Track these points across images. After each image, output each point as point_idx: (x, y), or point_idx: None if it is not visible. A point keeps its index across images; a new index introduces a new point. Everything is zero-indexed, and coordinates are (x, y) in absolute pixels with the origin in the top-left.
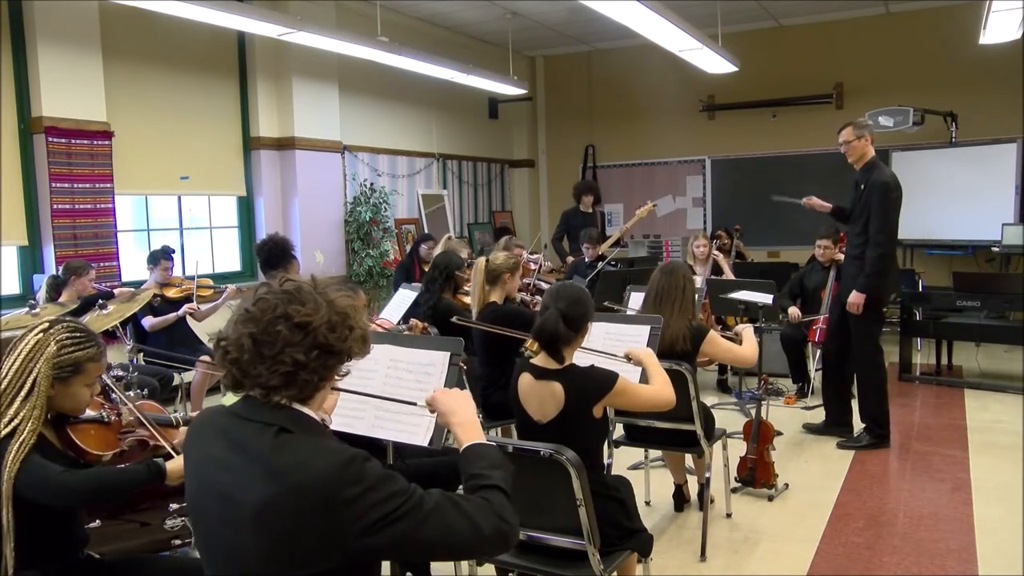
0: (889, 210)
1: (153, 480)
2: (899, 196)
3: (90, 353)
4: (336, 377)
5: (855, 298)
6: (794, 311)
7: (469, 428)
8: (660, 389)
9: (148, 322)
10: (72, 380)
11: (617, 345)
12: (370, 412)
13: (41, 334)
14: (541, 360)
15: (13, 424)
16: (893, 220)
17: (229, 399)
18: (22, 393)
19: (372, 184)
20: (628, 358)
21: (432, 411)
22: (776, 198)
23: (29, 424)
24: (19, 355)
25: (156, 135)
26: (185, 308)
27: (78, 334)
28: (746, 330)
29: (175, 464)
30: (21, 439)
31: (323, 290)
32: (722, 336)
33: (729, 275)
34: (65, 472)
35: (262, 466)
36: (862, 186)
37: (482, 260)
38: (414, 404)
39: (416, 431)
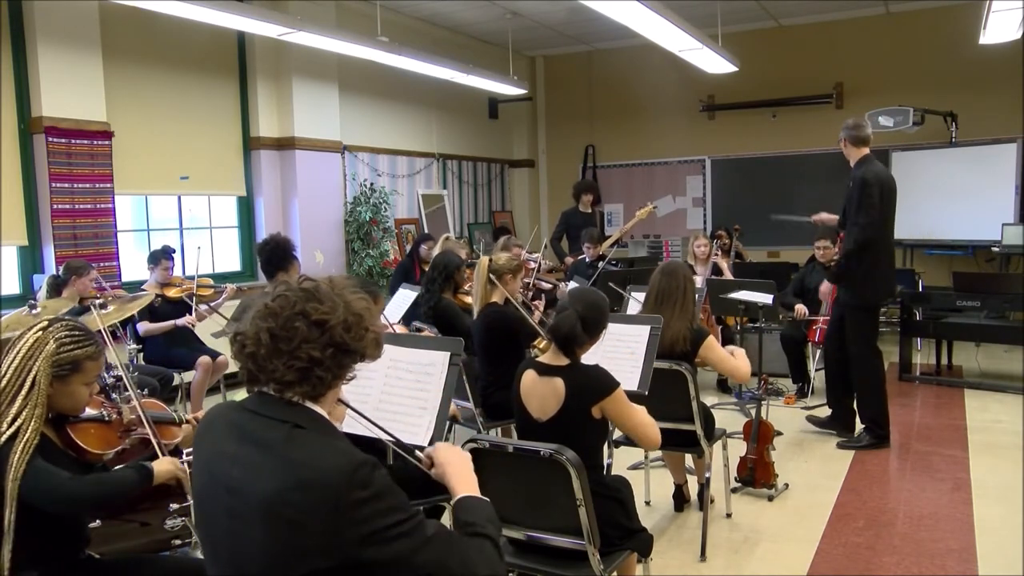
0: (868, 203)
1: (143, 482)
2: (881, 190)
3: (89, 352)
4: (346, 379)
5: (824, 287)
6: (801, 307)
7: (465, 479)
8: (652, 427)
9: (143, 327)
10: (71, 379)
11: (618, 345)
12: (370, 412)
13: (40, 332)
14: (547, 357)
15: (17, 424)
16: (876, 213)
17: (234, 397)
18: (23, 392)
19: (372, 184)
20: None
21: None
22: (775, 217)
23: (32, 423)
24: (18, 353)
25: (156, 135)
26: (185, 320)
27: (77, 332)
28: (739, 350)
29: (162, 465)
30: (25, 439)
31: (340, 291)
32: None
33: (728, 275)
34: (71, 480)
35: (274, 459)
36: (850, 183)
37: (485, 260)
38: (419, 450)
39: (416, 431)
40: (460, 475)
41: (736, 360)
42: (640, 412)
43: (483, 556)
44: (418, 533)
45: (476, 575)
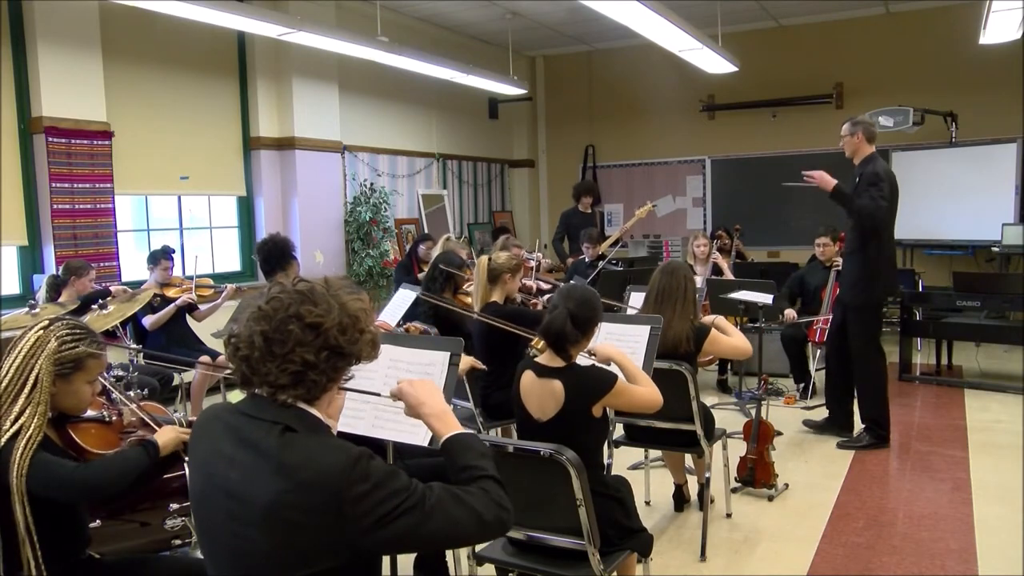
0: (879, 193)
1: (152, 457)
2: (890, 186)
3: (91, 349)
4: (343, 379)
5: (822, 178)
6: (790, 312)
7: (444, 418)
8: (652, 391)
9: (148, 320)
10: (73, 377)
11: (617, 345)
12: (370, 412)
13: (41, 331)
14: (545, 359)
15: (20, 422)
16: (886, 202)
17: (235, 397)
18: (25, 390)
19: (372, 184)
20: (592, 354)
21: (397, 400)
22: (787, 184)
23: (35, 421)
24: (20, 352)
25: (156, 135)
26: (184, 298)
27: (78, 331)
28: (717, 319)
29: (164, 435)
30: (28, 435)
31: (336, 292)
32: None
33: (729, 275)
34: (80, 467)
35: (270, 463)
36: (856, 179)
37: (484, 259)
38: (378, 395)
39: (416, 431)
40: (438, 415)
41: (738, 344)
42: (640, 391)
43: (488, 499)
44: (421, 506)
45: (485, 521)
